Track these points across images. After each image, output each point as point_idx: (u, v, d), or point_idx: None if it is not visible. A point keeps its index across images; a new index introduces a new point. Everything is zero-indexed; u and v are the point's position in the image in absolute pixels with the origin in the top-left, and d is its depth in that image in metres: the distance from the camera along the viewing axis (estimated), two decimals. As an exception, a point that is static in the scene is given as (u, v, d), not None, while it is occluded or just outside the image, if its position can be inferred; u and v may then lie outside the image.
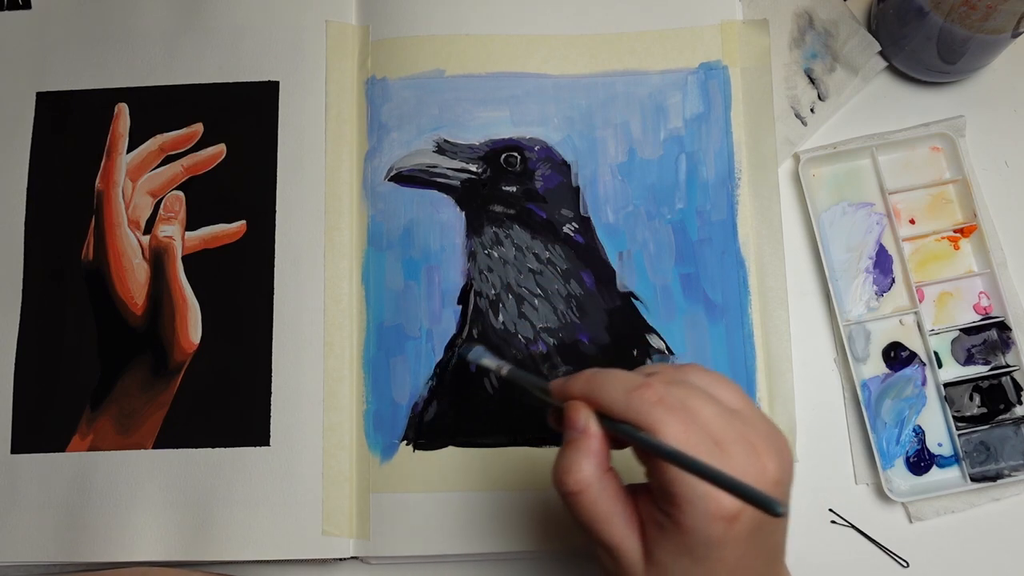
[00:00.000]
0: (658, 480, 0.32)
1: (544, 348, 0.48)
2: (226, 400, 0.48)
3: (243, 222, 0.50)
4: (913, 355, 0.49)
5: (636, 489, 0.34)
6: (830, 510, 0.48)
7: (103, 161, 0.51)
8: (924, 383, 0.49)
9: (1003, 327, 0.49)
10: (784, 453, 0.33)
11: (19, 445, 0.48)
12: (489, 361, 0.39)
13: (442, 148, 0.50)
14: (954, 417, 0.48)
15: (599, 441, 0.33)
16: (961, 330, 0.49)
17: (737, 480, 0.29)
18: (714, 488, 0.30)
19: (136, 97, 0.52)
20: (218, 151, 0.51)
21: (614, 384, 0.33)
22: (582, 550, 0.47)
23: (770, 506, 0.28)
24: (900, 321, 0.49)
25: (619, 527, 0.33)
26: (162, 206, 0.50)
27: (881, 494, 0.47)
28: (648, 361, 0.48)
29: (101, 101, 0.52)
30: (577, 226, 0.49)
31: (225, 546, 0.46)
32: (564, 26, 0.51)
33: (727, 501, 0.30)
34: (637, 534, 0.33)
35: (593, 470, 0.33)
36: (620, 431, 0.32)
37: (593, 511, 0.33)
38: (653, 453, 0.31)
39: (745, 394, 0.34)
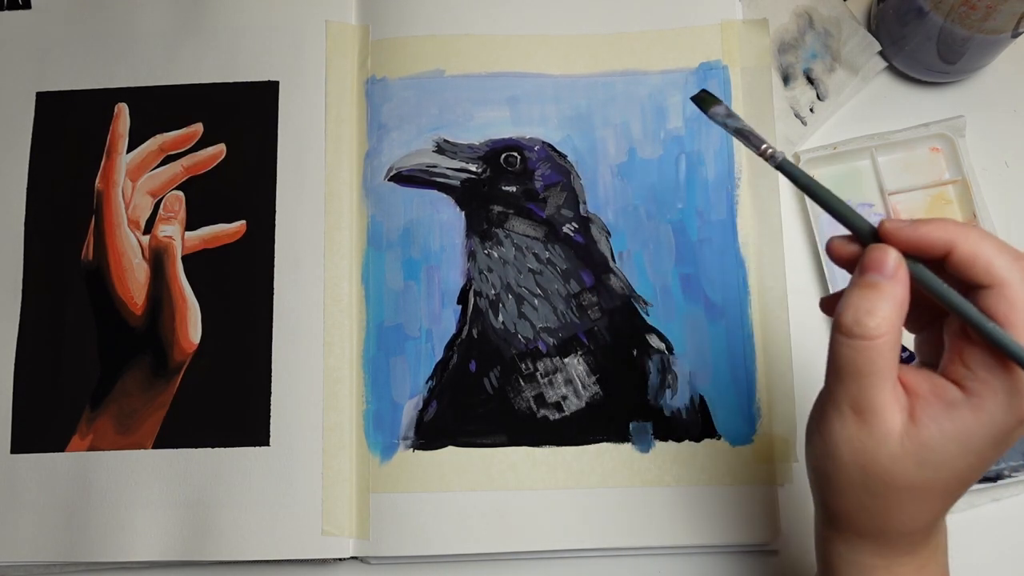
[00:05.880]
0: (984, 352, 0.29)
1: (544, 348, 0.48)
2: (226, 400, 0.48)
3: (243, 222, 0.50)
4: (913, 356, 0.49)
5: (908, 368, 0.32)
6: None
7: (103, 161, 0.51)
8: (924, 383, 0.48)
9: (1003, 327, 0.49)
10: None
11: (19, 445, 0.48)
12: (748, 124, 0.35)
13: (442, 148, 0.50)
14: (954, 417, 0.48)
15: (905, 291, 0.30)
16: (961, 330, 0.49)
17: None
18: None
19: (136, 97, 0.52)
20: (218, 151, 0.51)
21: (996, 243, 0.30)
22: (582, 550, 0.47)
23: None
24: (900, 321, 0.49)
25: (891, 387, 0.30)
26: (162, 206, 0.50)
27: (881, 494, 0.47)
28: (648, 361, 0.48)
29: (101, 101, 0.52)
30: (577, 226, 0.49)
31: (225, 546, 0.46)
32: (564, 26, 0.51)
33: None
34: (900, 406, 0.30)
35: (896, 319, 0.30)
36: (953, 303, 0.30)
37: (878, 362, 0.30)
38: (1006, 352, 0.29)
39: None
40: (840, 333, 0.31)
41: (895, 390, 0.30)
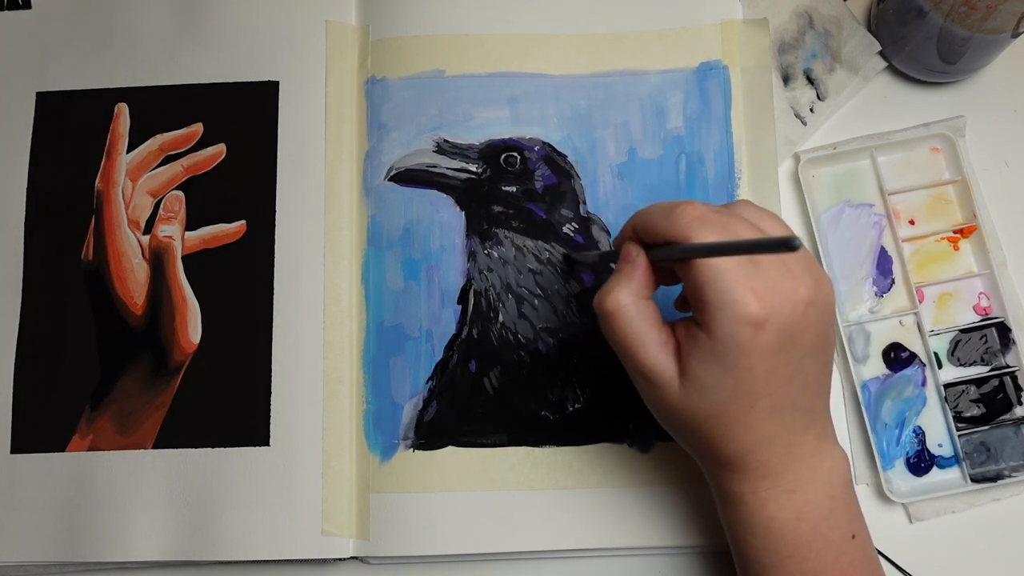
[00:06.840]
0: (692, 289, 0.34)
1: (544, 348, 0.48)
2: (226, 400, 0.48)
3: (243, 222, 0.50)
4: (913, 356, 0.49)
5: (676, 322, 0.36)
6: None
7: (103, 161, 0.51)
8: (924, 384, 0.49)
9: (1003, 327, 0.49)
10: (822, 282, 0.34)
11: (19, 445, 0.48)
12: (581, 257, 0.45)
13: (442, 148, 0.50)
14: (954, 418, 0.48)
15: (642, 270, 0.36)
16: (961, 330, 0.49)
17: (752, 239, 0.32)
18: (742, 294, 0.32)
19: (136, 97, 0.52)
20: (218, 151, 0.51)
21: (658, 208, 0.36)
22: (582, 550, 0.47)
23: (783, 242, 0.27)
24: (900, 322, 0.49)
25: (652, 348, 0.35)
26: (162, 206, 0.50)
27: (881, 495, 0.47)
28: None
29: (101, 101, 0.52)
30: (577, 226, 0.49)
31: (225, 546, 0.46)
32: (564, 26, 0.51)
33: (754, 307, 0.32)
34: (672, 356, 0.35)
35: (630, 293, 0.36)
36: (660, 254, 0.35)
37: (627, 332, 0.35)
38: (684, 257, 0.33)
39: (790, 228, 0.36)
40: (598, 313, 0.36)
41: (662, 346, 0.35)
